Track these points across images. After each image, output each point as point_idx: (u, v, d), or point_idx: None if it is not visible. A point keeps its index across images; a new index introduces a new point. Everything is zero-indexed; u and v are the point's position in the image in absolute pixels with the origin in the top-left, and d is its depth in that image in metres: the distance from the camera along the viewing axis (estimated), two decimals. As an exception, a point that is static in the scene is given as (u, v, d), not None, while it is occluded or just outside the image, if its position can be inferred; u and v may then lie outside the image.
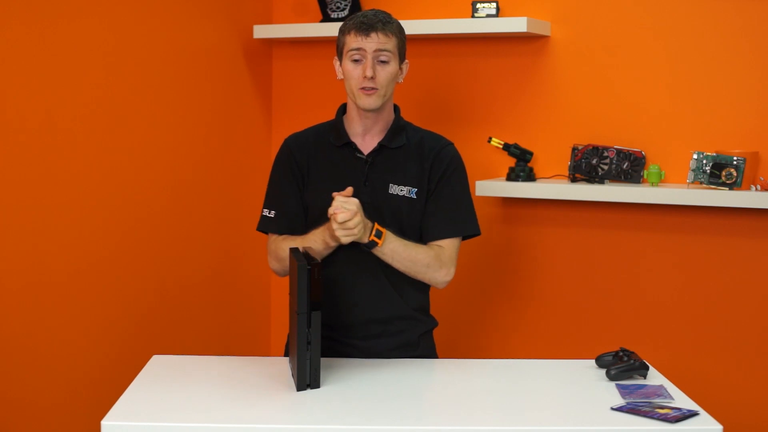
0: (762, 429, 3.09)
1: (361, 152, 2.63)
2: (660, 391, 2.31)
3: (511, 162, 3.34)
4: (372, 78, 2.53)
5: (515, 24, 3.18)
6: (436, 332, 2.76)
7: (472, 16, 3.28)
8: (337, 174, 2.60)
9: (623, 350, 2.46)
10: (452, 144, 2.69)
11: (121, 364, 2.91)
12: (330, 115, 2.72)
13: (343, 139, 2.64)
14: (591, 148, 3.19)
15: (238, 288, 3.63)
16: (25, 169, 2.73)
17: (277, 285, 3.76)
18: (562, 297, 3.37)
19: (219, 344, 3.50)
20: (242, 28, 3.58)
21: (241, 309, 3.65)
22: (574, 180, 3.21)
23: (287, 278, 2.48)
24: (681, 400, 2.26)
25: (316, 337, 2.27)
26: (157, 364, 2.52)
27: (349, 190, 2.46)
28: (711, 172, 3.01)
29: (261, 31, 3.58)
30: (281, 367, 2.47)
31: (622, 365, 2.40)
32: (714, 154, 3.02)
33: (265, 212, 2.68)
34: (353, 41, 2.55)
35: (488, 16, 3.26)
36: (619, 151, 3.16)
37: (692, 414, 2.15)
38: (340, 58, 2.61)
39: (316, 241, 2.52)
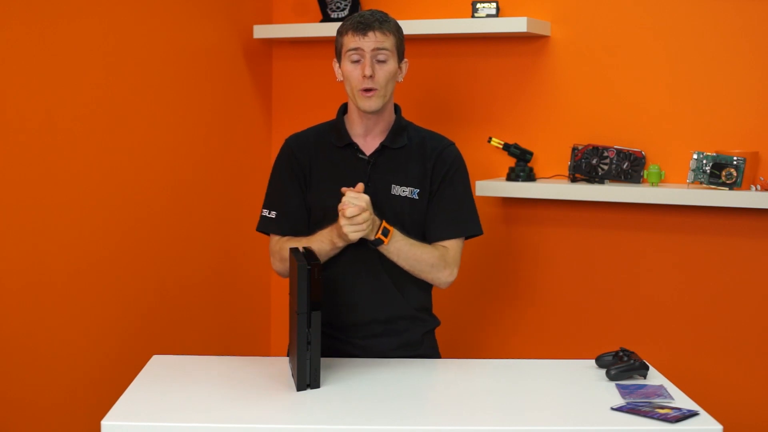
0: (762, 429, 3.09)
1: (363, 153, 2.62)
2: (660, 391, 2.31)
3: (511, 162, 3.34)
4: (371, 77, 2.53)
5: (515, 24, 3.18)
6: (436, 332, 2.76)
7: (472, 16, 3.28)
8: (339, 175, 2.60)
9: (623, 350, 2.46)
10: (454, 144, 2.69)
11: (121, 364, 2.91)
12: (330, 115, 2.72)
13: (344, 140, 2.64)
14: (591, 148, 3.19)
15: (238, 288, 3.63)
16: (25, 169, 2.73)
17: (277, 285, 3.76)
18: (563, 297, 3.37)
19: (219, 344, 3.50)
20: (242, 28, 3.58)
21: (241, 309, 3.65)
22: (574, 180, 3.21)
23: (287, 278, 2.48)
24: (681, 400, 2.26)
25: (316, 337, 2.27)
26: (157, 364, 2.52)
27: (360, 186, 2.47)
28: (711, 172, 3.01)
29: (261, 31, 3.58)
30: (281, 367, 2.47)
31: (622, 365, 2.40)
32: (714, 154, 3.02)
33: (265, 213, 2.67)
34: (351, 41, 2.55)
35: (488, 16, 3.26)
36: (619, 151, 3.16)
37: (692, 414, 2.15)
38: (339, 60, 2.61)
39: (322, 242, 2.52)
